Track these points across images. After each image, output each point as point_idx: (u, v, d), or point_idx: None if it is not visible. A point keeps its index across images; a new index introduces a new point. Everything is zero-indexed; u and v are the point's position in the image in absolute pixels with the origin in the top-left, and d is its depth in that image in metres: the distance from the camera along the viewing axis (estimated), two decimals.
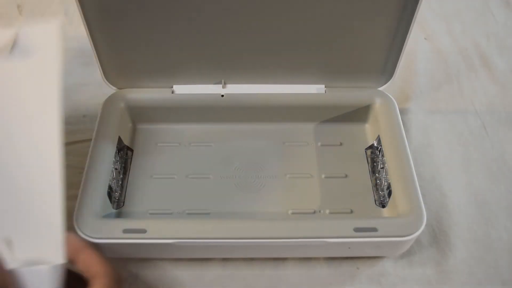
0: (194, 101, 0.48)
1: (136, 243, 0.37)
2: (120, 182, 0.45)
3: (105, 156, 0.42)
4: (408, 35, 0.42)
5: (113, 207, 0.42)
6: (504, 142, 0.52)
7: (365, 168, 0.47)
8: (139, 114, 0.48)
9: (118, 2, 0.40)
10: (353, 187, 0.45)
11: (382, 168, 0.45)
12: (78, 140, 0.50)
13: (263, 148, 0.48)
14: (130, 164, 0.46)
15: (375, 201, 0.44)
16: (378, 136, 0.46)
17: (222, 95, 0.47)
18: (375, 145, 0.47)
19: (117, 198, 0.43)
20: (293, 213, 0.43)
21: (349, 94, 0.48)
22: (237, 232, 0.37)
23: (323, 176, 0.46)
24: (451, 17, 0.66)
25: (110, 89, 0.47)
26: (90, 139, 0.43)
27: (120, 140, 0.45)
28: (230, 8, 0.40)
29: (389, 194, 0.42)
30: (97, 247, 0.36)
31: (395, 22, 0.42)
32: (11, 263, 0.25)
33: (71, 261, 0.28)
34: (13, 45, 0.25)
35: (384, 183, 0.44)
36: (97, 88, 0.53)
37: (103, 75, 0.46)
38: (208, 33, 0.43)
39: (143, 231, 0.37)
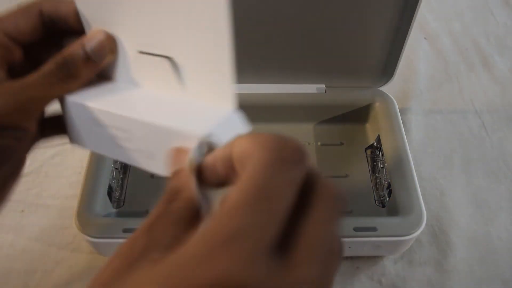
0: None
1: None
2: (120, 182, 0.45)
3: (105, 156, 0.42)
4: (408, 35, 0.42)
5: (113, 207, 0.42)
6: (504, 142, 0.52)
7: (365, 168, 0.47)
8: None
9: None
10: (353, 186, 0.45)
11: (382, 167, 0.45)
12: None
13: None
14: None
15: (375, 200, 0.44)
16: (378, 135, 0.46)
17: None
18: (375, 144, 0.47)
19: (117, 197, 0.43)
20: None
21: (349, 94, 0.48)
22: None
23: (323, 175, 0.46)
24: (451, 17, 0.66)
25: None
26: None
27: None
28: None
29: (389, 193, 0.42)
30: None
31: (395, 22, 0.42)
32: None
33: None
34: None
35: (384, 182, 0.44)
36: None
37: None
38: None
39: None
